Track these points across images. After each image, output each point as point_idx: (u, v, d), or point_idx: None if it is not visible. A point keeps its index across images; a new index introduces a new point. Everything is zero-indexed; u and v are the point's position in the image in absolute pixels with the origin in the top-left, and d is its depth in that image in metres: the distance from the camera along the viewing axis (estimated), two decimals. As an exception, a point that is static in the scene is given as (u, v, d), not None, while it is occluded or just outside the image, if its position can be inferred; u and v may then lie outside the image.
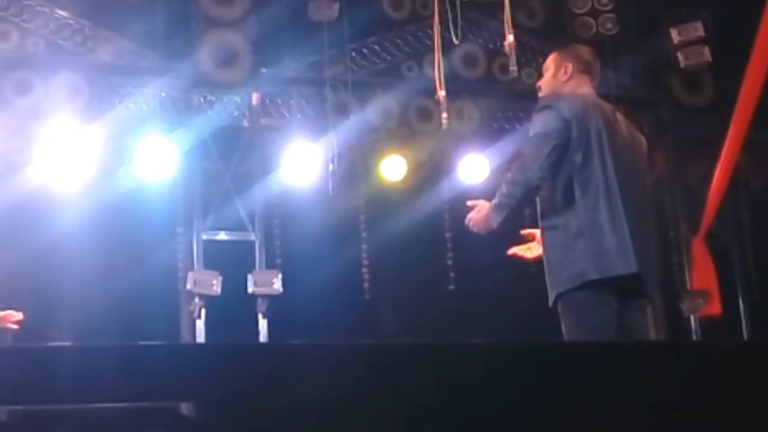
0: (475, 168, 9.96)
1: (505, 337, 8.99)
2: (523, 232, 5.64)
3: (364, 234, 9.97)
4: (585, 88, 5.54)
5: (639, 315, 5.35)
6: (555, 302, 5.25)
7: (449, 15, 6.68)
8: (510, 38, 6.10)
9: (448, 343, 3.76)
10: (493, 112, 10.32)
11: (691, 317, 10.12)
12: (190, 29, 9.62)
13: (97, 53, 9.49)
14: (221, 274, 9.28)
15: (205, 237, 9.57)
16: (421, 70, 9.95)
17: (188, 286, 9.26)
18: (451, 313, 9.81)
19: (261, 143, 9.83)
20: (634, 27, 10.33)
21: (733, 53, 9.31)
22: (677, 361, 3.67)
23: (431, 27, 7.00)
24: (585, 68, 5.58)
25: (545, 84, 5.61)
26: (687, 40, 10.16)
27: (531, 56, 9.93)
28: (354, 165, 9.91)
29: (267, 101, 9.89)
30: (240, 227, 9.69)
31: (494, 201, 5.33)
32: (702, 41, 10.15)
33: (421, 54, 10.01)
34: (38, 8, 9.34)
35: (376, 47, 10.18)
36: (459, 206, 9.98)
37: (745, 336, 10.19)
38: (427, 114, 9.83)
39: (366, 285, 9.93)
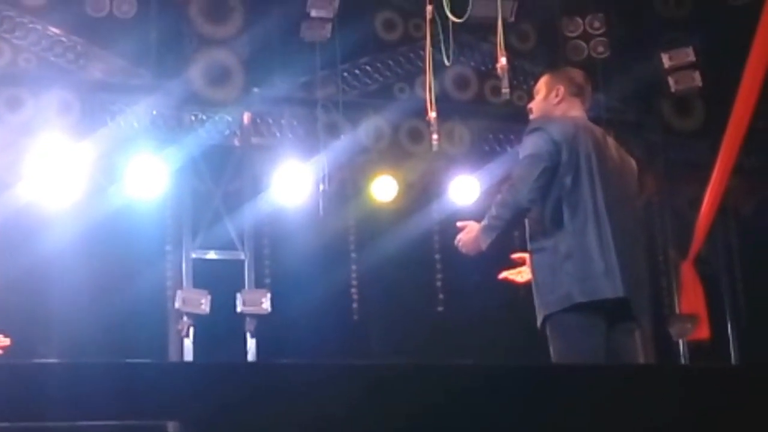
0: (465, 189, 9.97)
1: (493, 358, 9.00)
2: (514, 256, 5.64)
3: (353, 254, 9.97)
4: (576, 111, 5.54)
5: (627, 339, 5.34)
6: (543, 324, 5.25)
7: (441, 37, 6.69)
8: (503, 61, 6.10)
9: (436, 365, 3.75)
10: (484, 134, 10.34)
11: (680, 341, 10.13)
12: (183, 47, 9.64)
13: (88, 70, 9.49)
14: (210, 293, 9.27)
15: (194, 255, 9.56)
16: (413, 91, 9.97)
17: (177, 305, 9.25)
18: (440, 334, 9.79)
19: (252, 162, 9.83)
20: (626, 51, 10.36)
21: (723, 78, 9.36)
22: (665, 385, 3.67)
23: (423, 48, 7.03)
24: (577, 91, 5.59)
25: (536, 106, 5.62)
26: (678, 64, 10.20)
27: (523, 79, 9.97)
28: (344, 185, 9.92)
29: (258, 120, 9.90)
30: (229, 246, 9.68)
31: (483, 223, 5.32)
32: (693, 66, 10.19)
33: (412, 75, 10.03)
34: (30, 25, 9.34)
35: (368, 68, 10.20)
36: (449, 228, 10.00)
37: (734, 360, 10.19)
38: (418, 135, 9.85)
39: (355, 305, 9.93)
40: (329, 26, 9.53)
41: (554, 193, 5.25)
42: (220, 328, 9.23)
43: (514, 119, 9.33)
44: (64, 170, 9.03)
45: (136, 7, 9.33)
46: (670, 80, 10.22)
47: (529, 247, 5.40)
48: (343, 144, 9.69)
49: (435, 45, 6.69)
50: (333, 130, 9.76)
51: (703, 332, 9.86)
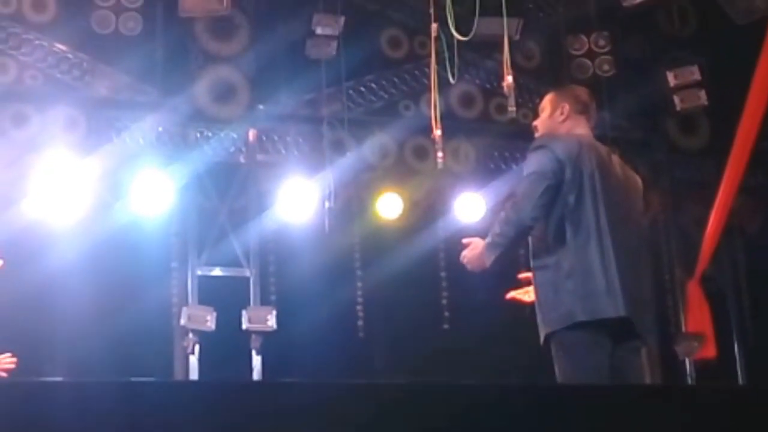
0: (471, 207, 9.97)
1: (499, 377, 8.99)
2: (521, 276, 5.62)
3: (359, 272, 9.96)
4: (581, 129, 5.53)
5: (633, 357, 5.32)
6: (546, 341, 5.23)
7: (446, 54, 6.69)
8: (509, 79, 6.10)
9: (442, 383, 3.75)
10: (489, 152, 10.35)
11: (686, 360, 10.10)
12: (188, 64, 9.66)
13: (94, 87, 9.51)
14: (215, 310, 9.26)
15: (199, 272, 9.56)
16: (418, 108, 9.97)
17: (182, 322, 9.24)
18: (445, 352, 9.77)
19: (257, 179, 9.84)
20: (631, 69, 10.37)
21: (729, 97, 9.36)
22: (671, 406, 3.66)
23: (428, 66, 7.02)
24: (582, 109, 5.57)
25: (541, 124, 5.61)
26: (683, 83, 10.19)
27: (528, 97, 9.97)
28: (350, 203, 9.92)
29: (264, 137, 9.91)
30: (235, 263, 9.68)
31: (487, 240, 5.32)
32: (698, 85, 10.19)
33: (417, 93, 10.04)
34: (36, 42, 9.36)
35: (373, 85, 10.21)
36: (454, 245, 9.96)
37: (740, 379, 10.17)
38: (423, 153, 9.86)
39: (360, 323, 9.91)
40: (334, 44, 9.55)
41: (557, 211, 5.24)
42: (225, 345, 9.22)
43: (519, 137, 9.32)
44: (69, 187, 9.04)
45: (141, 24, 9.35)
46: (676, 99, 10.22)
47: (531, 264, 5.39)
48: (348, 161, 9.70)
49: (440, 63, 6.69)
50: (338, 148, 9.77)
51: (710, 351, 9.84)
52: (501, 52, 6.34)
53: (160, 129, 9.56)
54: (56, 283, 8.72)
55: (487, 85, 10.23)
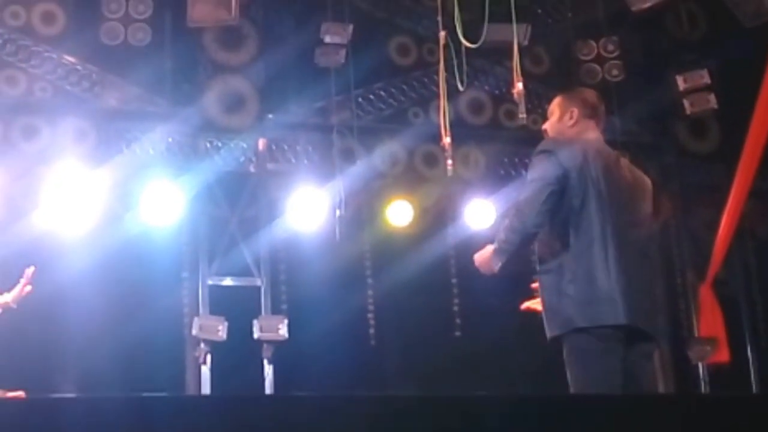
0: (481, 213, 9.96)
1: (510, 383, 8.97)
2: (534, 285, 5.62)
3: (369, 280, 9.95)
4: (590, 133, 5.51)
5: (645, 362, 5.31)
6: (556, 343, 5.24)
7: (455, 61, 6.69)
8: (519, 86, 6.11)
9: (455, 396, 3.74)
10: (499, 158, 10.34)
11: (699, 365, 10.07)
12: (197, 75, 9.67)
13: (104, 98, 9.53)
14: (227, 320, 9.26)
15: (210, 282, 9.56)
16: (427, 116, 9.97)
17: (194, 332, 9.24)
18: (456, 359, 9.75)
19: (267, 188, 9.84)
20: (640, 74, 10.36)
21: (738, 101, 9.33)
22: (685, 415, 3.64)
23: (437, 73, 7.01)
24: (590, 113, 5.55)
25: (551, 128, 5.60)
26: (693, 87, 10.18)
27: (537, 102, 9.94)
28: (360, 210, 9.92)
29: (273, 146, 9.92)
30: (246, 272, 9.68)
31: (494, 246, 5.34)
32: (708, 88, 10.17)
33: (427, 100, 10.04)
34: (46, 54, 9.39)
35: (383, 93, 10.22)
36: (465, 252, 9.99)
37: (754, 382, 10.13)
38: (433, 160, 9.85)
39: (372, 331, 9.91)
40: (343, 52, 9.55)
41: (562, 216, 5.24)
42: (237, 355, 9.22)
43: (529, 143, 9.22)
44: (80, 198, 9.06)
45: (150, 35, 9.37)
46: (685, 103, 10.20)
47: (537, 267, 5.40)
48: (358, 169, 9.70)
49: (449, 70, 6.69)
50: (348, 156, 9.77)
51: (723, 355, 9.81)
52: (510, 58, 6.34)
53: (170, 139, 9.57)
54: (67, 293, 8.73)
55: (496, 92, 10.23)
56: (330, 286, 9.48)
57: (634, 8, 9.68)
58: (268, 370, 9.41)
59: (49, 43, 9.38)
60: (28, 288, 6.36)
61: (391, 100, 10.23)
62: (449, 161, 6.80)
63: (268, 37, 9.67)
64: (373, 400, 3.56)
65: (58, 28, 9.37)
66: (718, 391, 9.77)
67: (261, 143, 9.83)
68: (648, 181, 5.61)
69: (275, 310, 9.61)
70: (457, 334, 10.08)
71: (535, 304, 5.56)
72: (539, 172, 5.28)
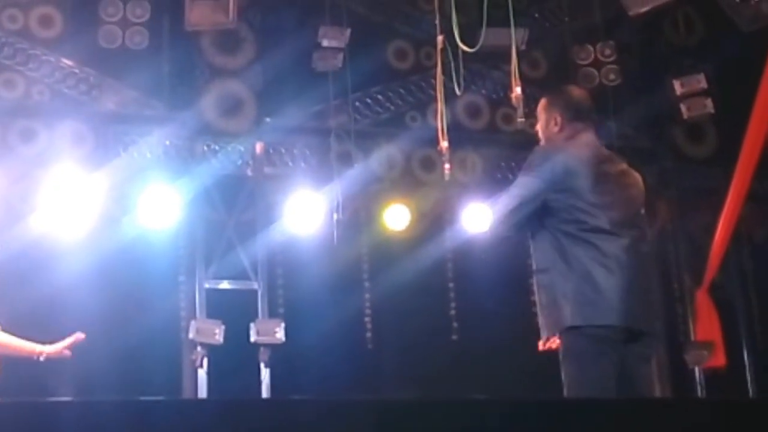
0: (478, 218, 9.95)
1: (508, 387, 8.97)
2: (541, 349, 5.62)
3: (366, 283, 9.96)
4: (580, 135, 5.47)
5: (641, 365, 5.32)
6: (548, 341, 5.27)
7: (452, 65, 6.69)
8: (517, 90, 6.11)
9: (452, 399, 3.74)
10: (496, 162, 10.34)
11: (696, 369, 10.08)
12: (195, 78, 9.68)
13: (101, 102, 9.54)
14: (223, 323, 9.25)
15: (207, 286, 9.56)
16: (425, 120, 9.98)
17: (190, 335, 9.24)
18: (454, 363, 9.76)
19: (264, 192, 9.84)
20: (637, 78, 10.37)
21: (735, 105, 9.36)
22: (681, 419, 3.65)
23: (434, 77, 7.02)
24: (574, 116, 5.51)
25: (541, 134, 5.63)
26: (690, 91, 10.19)
27: (534, 107, 9.89)
28: (357, 214, 9.92)
29: (271, 150, 9.92)
30: (243, 276, 9.68)
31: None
32: (705, 93, 10.18)
33: (424, 104, 10.05)
34: (44, 57, 9.39)
35: (380, 97, 10.23)
36: (462, 256, 10.06)
37: (750, 387, 10.14)
38: (430, 164, 9.86)
39: (369, 334, 9.91)
40: (341, 56, 9.56)
41: (556, 217, 5.25)
42: (234, 359, 9.22)
43: (526, 147, 9.20)
44: (77, 201, 9.06)
45: (148, 38, 9.38)
46: (682, 107, 10.21)
47: (534, 267, 5.42)
48: (355, 173, 9.70)
49: (446, 74, 6.69)
50: (346, 159, 9.77)
51: (719, 359, 9.82)
52: (507, 62, 6.35)
53: (168, 143, 9.57)
54: (64, 297, 8.72)
55: (494, 96, 10.24)
56: (327, 289, 9.48)
57: (631, 13, 9.68)
58: (265, 373, 9.41)
59: (47, 47, 9.39)
60: (67, 353, 6.28)
61: (388, 104, 10.24)
62: (446, 165, 6.82)
63: (265, 41, 9.67)
64: (370, 404, 3.56)
65: (55, 32, 9.38)
66: (715, 396, 9.78)
67: (258, 147, 9.83)
68: (640, 182, 5.60)
69: (272, 314, 9.61)
70: (454, 337, 10.08)
71: (549, 343, 5.50)
72: (520, 189, 5.31)
